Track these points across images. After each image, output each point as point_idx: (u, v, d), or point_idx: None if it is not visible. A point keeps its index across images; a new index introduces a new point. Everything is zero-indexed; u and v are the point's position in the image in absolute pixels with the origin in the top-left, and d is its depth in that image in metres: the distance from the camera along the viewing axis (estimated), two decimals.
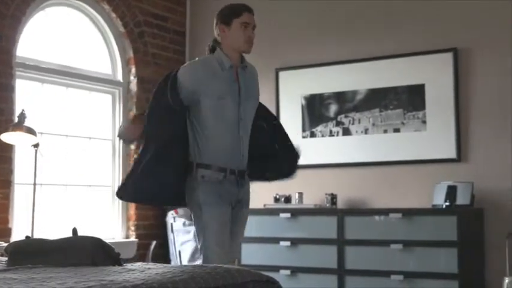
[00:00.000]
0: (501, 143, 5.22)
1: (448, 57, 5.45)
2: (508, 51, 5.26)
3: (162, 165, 3.49)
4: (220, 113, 3.51)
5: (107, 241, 3.19)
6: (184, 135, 3.56)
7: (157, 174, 3.50)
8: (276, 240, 5.50)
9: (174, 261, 6.06)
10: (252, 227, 5.62)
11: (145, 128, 3.55)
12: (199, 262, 5.93)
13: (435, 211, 5.06)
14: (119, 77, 6.20)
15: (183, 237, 6.08)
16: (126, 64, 6.21)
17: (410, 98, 5.59)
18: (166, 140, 3.51)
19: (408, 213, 5.03)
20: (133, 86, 6.19)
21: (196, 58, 3.71)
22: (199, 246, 3.54)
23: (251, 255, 5.59)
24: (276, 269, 5.35)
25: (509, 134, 5.21)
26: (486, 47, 5.35)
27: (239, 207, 3.62)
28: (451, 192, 5.05)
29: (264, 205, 5.77)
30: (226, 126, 3.53)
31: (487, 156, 5.27)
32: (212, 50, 3.65)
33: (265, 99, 6.25)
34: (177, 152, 3.55)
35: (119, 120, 6.14)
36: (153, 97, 3.58)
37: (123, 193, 3.64)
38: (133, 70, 6.20)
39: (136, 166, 3.50)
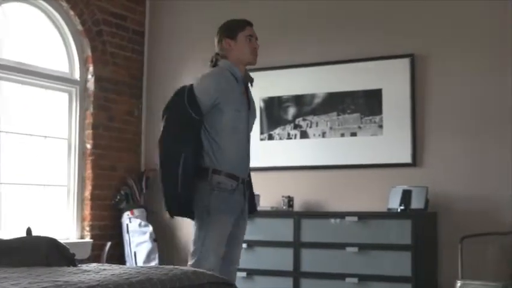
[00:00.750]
0: (455, 149, 5.31)
1: (405, 63, 5.52)
2: (463, 58, 5.35)
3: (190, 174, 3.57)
4: (237, 124, 3.68)
5: (62, 241, 3.16)
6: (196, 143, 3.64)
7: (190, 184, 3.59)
8: None
9: (130, 262, 6.02)
10: None
11: (165, 142, 3.59)
12: (154, 263, 5.93)
13: (390, 215, 5.11)
14: (76, 75, 6.13)
15: (138, 238, 6.05)
16: (83, 63, 6.15)
17: (368, 103, 5.65)
18: (189, 151, 3.57)
19: (364, 216, 5.07)
20: (91, 85, 6.13)
21: (209, 70, 3.77)
22: (193, 249, 3.61)
23: None
24: None
25: (463, 140, 5.29)
26: (442, 54, 5.43)
27: (242, 217, 3.78)
28: (406, 196, 5.12)
29: None
30: (239, 137, 3.70)
31: (441, 161, 5.35)
32: (214, 64, 3.78)
33: None
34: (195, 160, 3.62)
35: (75, 119, 6.07)
36: (169, 111, 3.64)
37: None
38: (91, 69, 6.13)
39: (174, 180, 3.52)
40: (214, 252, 3.58)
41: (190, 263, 3.58)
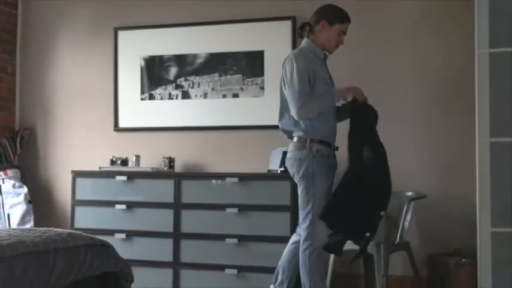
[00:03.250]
0: None
1: (287, 25, 5.55)
2: None
3: None
4: (329, 96, 3.96)
5: None
6: None
7: None
8: (111, 204, 5.40)
9: (2, 225, 5.82)
10: (87, 189, 5.49)
11: None
12: (29, 225, 5.75)
13: (270, 176, 5.17)
14: None
15: (12, 200, 5.85)
16: None
17: (250, 64, 5.65)
18: None
19: (244, 177, 5.10)
20: None
21: (297, 49, 4.08)
22: (305, 211, 3.89)
23: (85, 218, 5.46)
24: (111, 232, 5.27)
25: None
26: None
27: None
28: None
29: (100, 167, 5.63)
30: (331, 108, 4.00)
31: None
32: (301, 33, 4.10)
33: (103, 59, 6.12)
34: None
35: None
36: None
37: None
38: None
39: None
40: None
41: (304, 225, 3.88)
